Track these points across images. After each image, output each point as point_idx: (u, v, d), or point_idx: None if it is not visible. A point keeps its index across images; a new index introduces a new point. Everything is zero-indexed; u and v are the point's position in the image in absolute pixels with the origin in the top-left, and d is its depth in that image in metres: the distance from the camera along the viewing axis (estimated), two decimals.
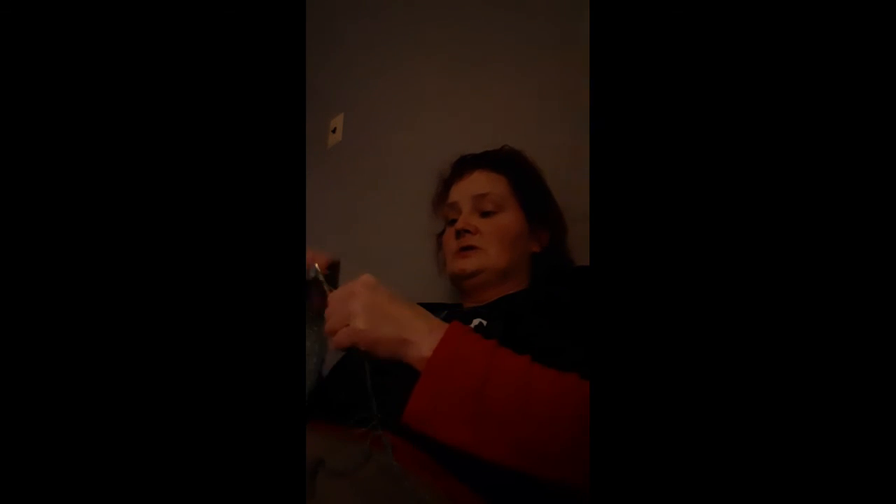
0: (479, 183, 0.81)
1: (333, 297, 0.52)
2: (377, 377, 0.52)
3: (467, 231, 0.77)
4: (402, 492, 0.44)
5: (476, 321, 0.65)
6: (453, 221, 0.81)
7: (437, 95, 1.27)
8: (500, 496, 0.46)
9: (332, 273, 0.59)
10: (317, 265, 0.57)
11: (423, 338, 0.48)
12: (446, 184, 0.88)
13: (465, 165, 0.86)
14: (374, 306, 0.50)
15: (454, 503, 0.45)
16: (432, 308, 0.59)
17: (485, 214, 0.78)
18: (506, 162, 0.84)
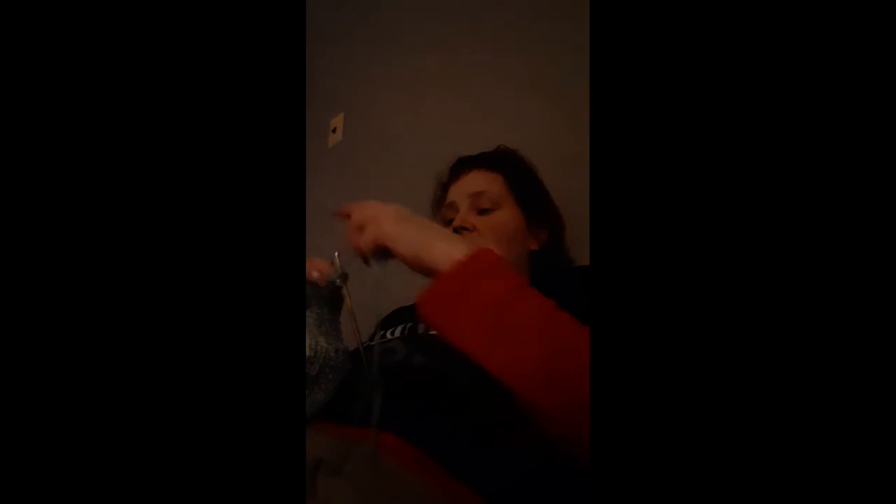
0: (476, 182, 0.82)
1: (356, 205, 0.53)
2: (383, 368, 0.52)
3: (465, 228, 0.77)
4: (402, 492, 0.44)
5: None
6: (451, 221, 0.81)
7: (438, 95, 1.27)
8: (499, 496, 0.46)
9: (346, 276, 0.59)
10: (337, 262, 0.56)
11: (453, 243, 0.47)
12: (444, 186, 0.89)
13: (461, 167, 0.87)
14: (402, 211, 0.50)
15: (454, 503, 0.45)
16: None
17: (482, 212, 0.79)
18: (501, 161, 0.85)
